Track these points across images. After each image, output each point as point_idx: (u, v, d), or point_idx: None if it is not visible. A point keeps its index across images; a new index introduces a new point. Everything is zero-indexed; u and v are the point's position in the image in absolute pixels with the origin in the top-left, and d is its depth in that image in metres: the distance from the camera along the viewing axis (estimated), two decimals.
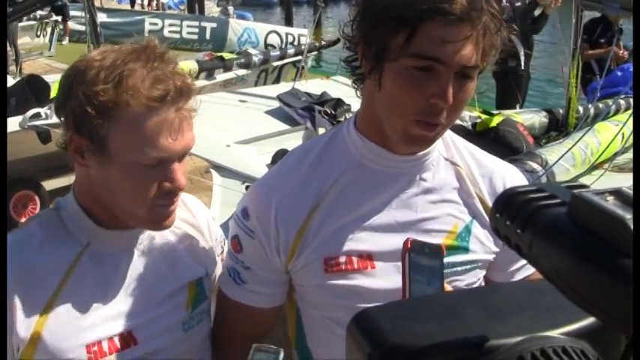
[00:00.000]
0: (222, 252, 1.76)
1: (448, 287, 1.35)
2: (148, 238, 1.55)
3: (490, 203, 1.55)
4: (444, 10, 1.28)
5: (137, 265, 1.53)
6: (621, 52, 8.45)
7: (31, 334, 1.39)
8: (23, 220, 6.44)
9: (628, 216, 0.46)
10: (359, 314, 0.61)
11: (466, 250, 1.52)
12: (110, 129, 1.35)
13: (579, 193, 0.48)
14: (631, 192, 0.47)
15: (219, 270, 1.74)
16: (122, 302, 1.49)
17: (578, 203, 0.48)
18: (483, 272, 1.58)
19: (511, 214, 0.52)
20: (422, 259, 1.31)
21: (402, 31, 1.30)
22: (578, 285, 0.47)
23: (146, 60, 1.38)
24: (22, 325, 1.38)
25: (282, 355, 1.11)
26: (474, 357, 0.54)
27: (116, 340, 1.47)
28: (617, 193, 0.48)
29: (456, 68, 1.32)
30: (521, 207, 0.51)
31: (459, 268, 1.50)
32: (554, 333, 0.55)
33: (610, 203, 0.47)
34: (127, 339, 1.48)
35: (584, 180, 4.14)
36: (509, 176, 1.61)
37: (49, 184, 6.69)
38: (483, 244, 1.55)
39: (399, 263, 1.47)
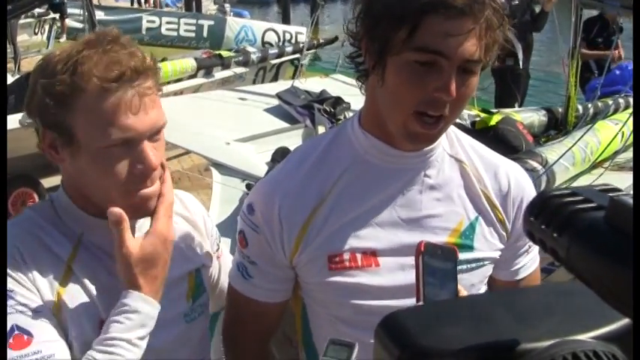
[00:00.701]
0: (218, 249, 1.78)
1: (462, 289, 1.35)
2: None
3: (495, 200, 1.56)
4: (447, 3, 1.29)
5: None
6: (617, 52, 8.44)
7: (56, 292, 1.40)
8: None
9: None
10: (387, 317, 0.61)
11: (471, 248, 1.53)
12: (73, 118, 1.36)
13: (617, 197, 0.47)
14: None
15: (215, 266, 1.75)
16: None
17: (617, 207, 0.48)
18: (490, 270, 1.59)
19: (546, 218, 0.51)
20: (435, 262, 1.30)
21: (405, 25, 1.31)
22: (619, 290, 0.47)
23: (99, 45, 1.37)
24: (46, 285, 1.40)
25: (356, 349, 1.10)
26: None
27: None
28: None
29: (459, 62, 1.32)
30: (557, 210, 0.51)
31: (464, 267, 1.49)
32: (585, 337, 0.55)
33: None
34: None
35: (583, 179, 4.14)
36: (514, 173, 1.61)
37: (48, 182, 6.67)
38: (488, 242, 1.55)
39: (403, 260, 1.48)
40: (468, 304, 0.69)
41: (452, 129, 1.58)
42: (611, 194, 0.48)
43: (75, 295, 1.43)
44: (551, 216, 0.51)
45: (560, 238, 0.50)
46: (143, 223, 1.52)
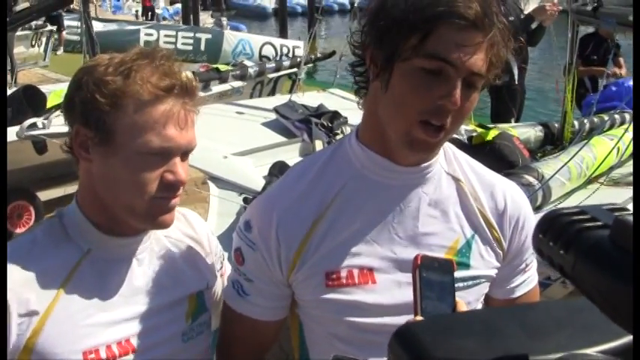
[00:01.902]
0: (222, 267, 1.78)
1: (461, 303, 1.35)
2: (149, 247, 1.56)
3: (491, 218, 1.57)
4: (460, 14, 1.32)
5: (137, 273, 1.53)
6: (620, 70, 8.46)
7: (27, 339, 1.39)
8: (18, 230, 6.42)
9: None
10: (400, 329, 0.62)
11: (467, 266, 1.52)
12: (118, 117, 1.39)
13: (622, 217, 0.49)
14: None
15: (219, 285, 1.75)
16: (121, 310, 1.50)
17: (621, 226, 0.49)
18: (486, 289, 1.58)
19: (554, 236, 0.53)
20: (432, 275, 1.31)
21: (418, 31, 1.34)
22: (621, 306, 0.49)
23: (153, 58, 1.42)
24: (17, 331, 1.38)
25: None
26: None
27: (114, 347, 1.47)
28: None
29: (465, 73, 1.35)
30: (564, 228, 0.52)
31: (460, 284, 1.47)
32: (592, 351, 0.56)
33: None
34: (125, 347, 1.49)
35: (579, 194, 4.16)
36: (510, 192, 1.61)
37: (45, 195, 6.68)
38: (484, 260, 1.55)
39: (400, 277, 1.48)
40: (481, 317, 0.71)
41: (450, 146, 1.59)
42: (617, 213, 0.49)
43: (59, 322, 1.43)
44: (559, 233, 0.53)
45: (567, 255, 0.52)
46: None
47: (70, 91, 1.46)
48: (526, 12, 7.00)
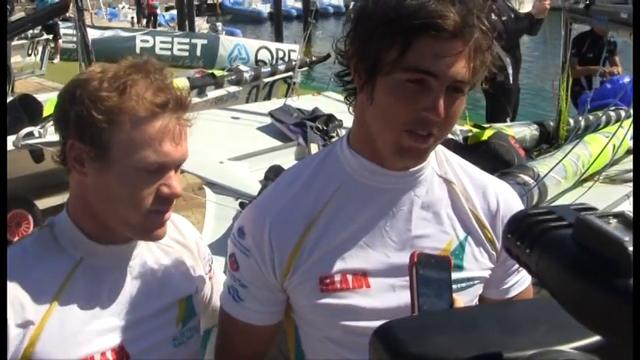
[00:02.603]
0: (211, 270, 1.80)
1: (458, 299, 1.36)
2: (139, 254, 1.58)
3: (484, 219, 1.57)
4: (437, 26, 1.30)
5: (129, 280, 1.55)
6: (617, 69, 8.47)
7: (24, 349, 1.39)
8: (17, 239, 6.42)
9: (626, 238, 0.48)
10: (380, 327, 0.63)
11: (460, 267, 1.52)
12: (114, 133, 1.39)
13: (583, 216, 0.50)
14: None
15: (207, 288, 1.77)
16: (114, 317, 1.51)
17: (581, 225, 0.51)
18: (480, 290, 1.59)
19: (521, 235, 0.54)
20: (429, 272, 1.31)
21: (396, 45, 1.32)
22: (579, 302, 0.50)
23: (147, 72, 1.43)
24: (15, 341, 1.39)
25: None
26: None
27: (109, 354, 1.48)
28: (620, 215, 0.50)
29: (448, 82, 1.33)
30: (530, 228, 0.54)
31: (454, 286, 1.46)
32: (566, 347, 0.57)
33: (612, 226, 0.50)
34: (120, 353, 1.49)
35: (575, 192, 4.16)
36: (503, 193, 1.62)
37: (43, 203, 6.67)
38: (478, 261, 1.55)
39: (394, 281, 1.48)
40: (460, 315, 0.72)
41: (441, 149, 1.58)
42: (584, 213, 0.51)
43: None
44: (525, 233, 0.54)
45: (532, 253, 0.53)
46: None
47: (63, 104, 1.45)
48: (521, 11, 7.02)
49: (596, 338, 0.58)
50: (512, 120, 6.98)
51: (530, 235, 0.54)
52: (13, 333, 1.38)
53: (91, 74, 1.44)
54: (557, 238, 0.52)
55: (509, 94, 7.01)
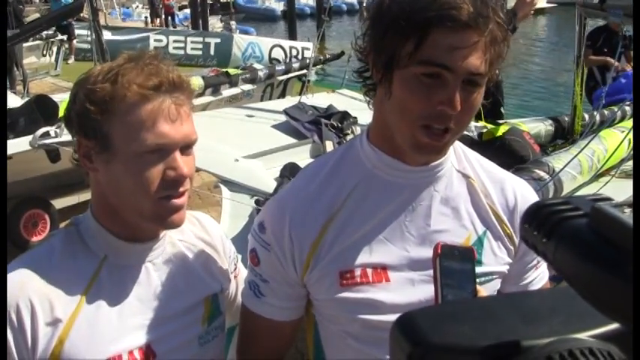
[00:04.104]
0: (235, 269, 1.80)
1: (482, 290, 1.37)
2: (164, 252, 1.59)
3: (502, 214, 1.57)
4: (452, 16, 1.30)
5: (154, 278, 1.56)
6: (629, 66, 8.41)
7: (53, 347, 1.40)
8: (34, 239, 6.48)
9: None
10: (401, 316, 0.65)
11: (479, 262, 1.52)
12: (111, 123, 1.41)
13: (598, 206, 0.52)
14: None
15: (232, 287, 1.78)
16: (140, 315, 1.52)
17: (597, 214, 0.52)
18: (498, 285, 1.59)
19: (538, 225, 0.56)
20: (452, 264, 1.32)
21: (411, 38, 1.33)
22: (596, 290, 0.52)
23: (139, 60, 1.44)
24: (44, 339, 1.40)
25: None
26: (507, 357, 0.57)
27: (136, 353, 1.49)
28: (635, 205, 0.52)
29: (464, 75, 1.34)
30: (546, 218, 0.55)
31: None
32: (583, 335, 0.58)
33: (627, 215, 0.51)
34: (147, 352, 1.50)
35: (591, 187, 4.15)
36: (520, 188, 1.63)
37: (59, 203, 6.73)
38: (496, 256, 1.56)
39: (413, 275, 1.49)
40: (478, 304, 0.73)
41: (459, 145, 1.59)
42: (600, 203, 0.52)
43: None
44: (542, 222, 0.55)
45: (549, 242, 0.54)
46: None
47: (67, 105, 1.49)
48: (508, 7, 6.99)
49: (613, 326, 0.59)
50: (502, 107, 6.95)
51: (547, 224, 0.55)
52: (42, 332, 1.40)
53: (90, 72, 1.47)
54: (574, 226, 0.53)
55: (499, 85, 6.99)
